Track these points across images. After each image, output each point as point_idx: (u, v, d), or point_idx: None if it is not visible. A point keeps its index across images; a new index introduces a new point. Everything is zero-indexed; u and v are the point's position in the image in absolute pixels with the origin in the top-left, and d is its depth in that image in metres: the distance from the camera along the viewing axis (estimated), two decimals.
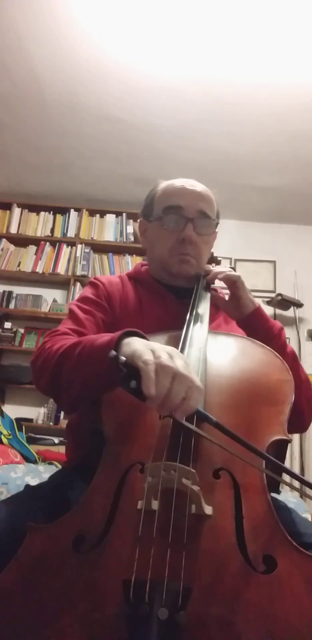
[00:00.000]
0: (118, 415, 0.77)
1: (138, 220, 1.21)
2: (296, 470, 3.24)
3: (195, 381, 0.64)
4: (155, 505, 0.59)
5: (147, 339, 0.72)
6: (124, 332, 0.74)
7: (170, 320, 1.00)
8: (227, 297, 1.07)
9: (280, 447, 0.75)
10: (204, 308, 1.02)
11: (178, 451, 0.65)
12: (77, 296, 1.87)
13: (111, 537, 0.59)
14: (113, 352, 0.64)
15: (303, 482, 0.61)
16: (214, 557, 0.55)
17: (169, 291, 1.12)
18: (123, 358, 0.63)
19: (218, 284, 1.10)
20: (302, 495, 1.83)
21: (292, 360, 0.98)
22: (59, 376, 0.83)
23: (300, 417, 0.96)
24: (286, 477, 0.69)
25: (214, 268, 1.10)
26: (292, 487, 0.62)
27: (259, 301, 1.06)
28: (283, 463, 0.80)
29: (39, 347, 0.93)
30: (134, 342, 0.69)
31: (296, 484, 0.63)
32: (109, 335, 0.77)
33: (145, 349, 0.65)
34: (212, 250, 1.17)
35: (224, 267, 1.08)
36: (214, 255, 1.18)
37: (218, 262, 1.18)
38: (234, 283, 1.03)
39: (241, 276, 1.04)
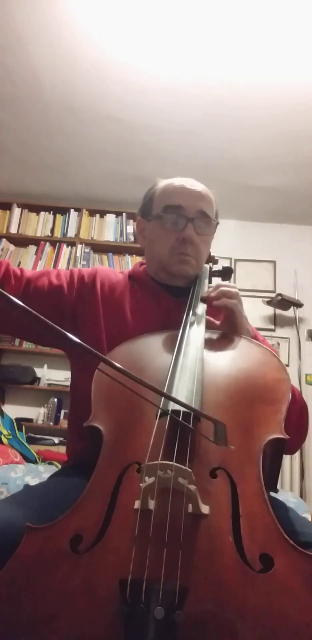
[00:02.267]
0: (115, 415, 0.77)
1: (136, 219, 1.21)
2: (296, 470, 3.24)
3: None
4: (152, 505, 0.59)
5: None
6: None
7: (166, 320, 1.00)
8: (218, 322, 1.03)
9: (277, 446, 0.75)
10: (201, 308, 1.01)
11: (174, 450, 0.65)
12: None
13: (108, 537, 0.59)
14: None
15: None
16: (211, 556, 0.55)
17: (166, 291, 1.12)
18: None
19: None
20: (302, 492, 1.83)
21: None
22: None
23: (287, 445, 0.93)
24: (286, 478, 0.69)
25: (211, 289, 1.01)
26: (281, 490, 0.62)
27: (259, 301, 1.06)
28: (281, 462, 0.81)
29: None
30: None
31: (296, 485, 0.63)
32: None
33: None
34: (209, 250, 1.17)
35: (222, 287, 1.00)
36: (212, 254, 1.18)
37: (215, 262, 1.18)
38: (231, 311, 0.97)
39: (238, 303, 0.98)
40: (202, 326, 0.95)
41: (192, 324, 0.96)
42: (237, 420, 0.74)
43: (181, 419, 0.66)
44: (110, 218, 3.81)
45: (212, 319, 1.03)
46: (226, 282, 1.05)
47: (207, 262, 1.16)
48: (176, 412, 0.69)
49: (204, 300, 1.02)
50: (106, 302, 1.09)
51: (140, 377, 0.83)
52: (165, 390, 0.75)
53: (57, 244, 3.75)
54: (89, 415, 0.79)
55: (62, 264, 3.67)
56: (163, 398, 0.73)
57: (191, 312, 1.00)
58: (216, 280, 1.14)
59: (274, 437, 0.71)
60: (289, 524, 0.72)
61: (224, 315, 1.00)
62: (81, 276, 1.12)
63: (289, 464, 3.26)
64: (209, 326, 1.01)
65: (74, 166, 3.51)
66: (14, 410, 3.33)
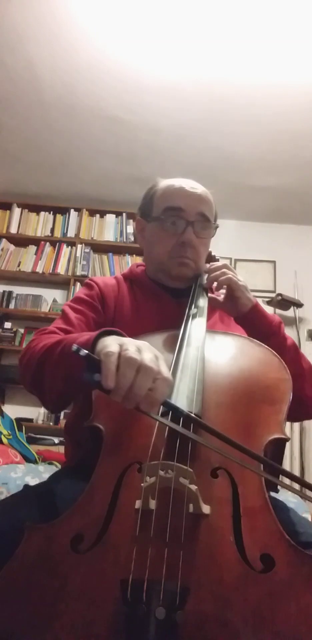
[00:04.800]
0: (115, 415, 0.77)
1: (135, 219, 1.21)
2: (296, 470, 3.23)
3: (162, 373, 0.64)
4: (153, 504, 0.59)
5: (125, 336, 0.71)
6: (103, 331, 0.74)
7: (167, 320, 1.00)
8: (222, 296, 1.07)
9: (278, 446, 0.74)
10: (201, 308, 1.02)
11: (176, 450, 0.65)
12: None
13: (109, 536, 0.59)
14: (75, 346, 0.63)
15: (302, 483, 0.61)
16: (212, 556, 0.55)
17: (165, 291, 1.12)
18: (85, 351, 0.63)
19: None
20: (303, 497, 1.83)
21: (294, 352, 0.99)
22: (41, 374, 0.84)
23: (305, 405, 0.97)
24: (285, 478, 0.69)
25: (210, 269, 1.08)
26: (291, 489, 0.62)
27: (259, 301, 1.06)
28: (281, 462, 0.81)
29: (26, 346, 0.93)
30: (108, 338, 0.69)
31: (296, 484, 0.63)
32: (89, 333, 0.77)
33: (113, 342, 0.65)
34: (210, 250, 1.17)
35: (218, 269, 1.06)
36: (213, 254, 1.18)
37: (216, 261, 1.18)
38: (228, 287, 1.02)
39: (233, 277, 1.03)
40: (203, 325, 0.95)
41: (192, 323, 0.96)
42: (238, 419, 0.74)
43: (181, 425, 0.65)
44: (110, 218, 3.81)
45: (215, 296, 1.07)
46: (210, 265, 1.09)
47: (208, 262, 1.16)
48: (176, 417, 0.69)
49: (205, 287, 1.07)
50: (107, 307, 1.09)
51: None
52: None
53: (57, 244, 3.74)
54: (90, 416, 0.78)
55: (62, 264, 3.67)
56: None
57: (191, 311, 1.00)
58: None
59: (274, 438, 0.71)
60: (289, 525, 0.72)
61: (226, 293, 1.04)
62: (94, 296, 1.09)
63: (289, 463, 3.26)
64: (213, 303, 1.06)
65: (74, 166, 3.51)
66: (14, 410, 3.32)
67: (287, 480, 0.65)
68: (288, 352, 0.98)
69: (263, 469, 0.65)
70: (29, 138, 3.24)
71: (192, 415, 0.66)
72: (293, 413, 0.76)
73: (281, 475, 0.67)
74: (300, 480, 0.61)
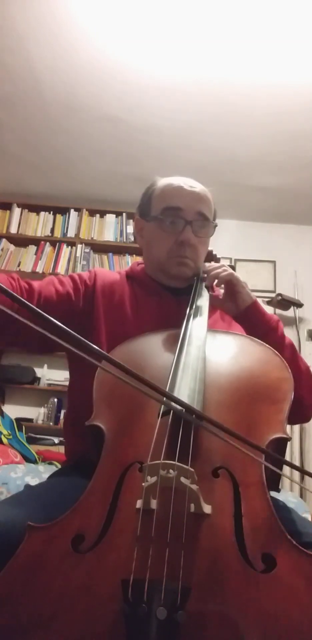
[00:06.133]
0: (116, 414, 0.77)
1: (134, 218, 1.21)
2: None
3: None
4: (154, 504, 0.59)
5: None
6: None
7: (167, 319, 1.00)
8: (222, 292, 1.07)
9: (279, 446, 0.74)
10: (202, 306, 1.02)
11: (177, 450, 0.65)
12: None
13: (110, 536, 0.58)
14: None
15: (304, 472, 0.61)
16: (213, 556, 0.55)
17: (165, 290, 1.12)
18: None
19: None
20: (302, 493, 1.83)
21: (291, 352, 1.00)
22: None
23: (302, 408, 0.97)
24: (287, 474, 0.69)
25: (209, 269, 1.08)
26: (292, 480, 0.62)
27: (259, 301, 1.07)
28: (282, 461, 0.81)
29: None
30: None
31: (296, 480, 0.62)
32: None
33: None
34: (211, 249, 1.17)
35: (218, 267, 1.07)
36: (214, 253, 1.18)
37: (217, 260, 1.18)
38: (229, 282, 1.03)
39: (234, 272, 1.04)
40: (204, 324, 0.95)
41: (193, 322, 0.96)
42: (240, 419, 0.74)
43: (181, 425, 0.65)
44: (110, 218, 3.81)
45: (215, 294, 1.08)
46: (209, 265, 1.10)
47: (208, 261, 1.16)
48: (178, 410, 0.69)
49: (207, 285, 1.08)
50: (107, 302, 1.09)
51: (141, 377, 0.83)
52: (167, 390, 0.75)
53: (57, 244, 3.74)
54: (90, 415, 0.78)
55: (62, 264, 3.67)
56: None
57: (192, 310, 1.00)
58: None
59: (276, 437, 0.71)
60: (291, 524, 0.72)
61: (225, 289, 1.04)
62: (83, 280, 1.11)
63: None
64: (213, 302, 1.06)
65: (74, 166, 3.51)
66: (14, 410, 3.32)
67: (288, 480, 0.64)
68: (286, 350, 0.98)
69: (264, 468, 0.65)
70: (29, 138, 3.24)
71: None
72: (289, 415, 0.76)
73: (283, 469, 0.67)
74: (301, 470, 0.61)
